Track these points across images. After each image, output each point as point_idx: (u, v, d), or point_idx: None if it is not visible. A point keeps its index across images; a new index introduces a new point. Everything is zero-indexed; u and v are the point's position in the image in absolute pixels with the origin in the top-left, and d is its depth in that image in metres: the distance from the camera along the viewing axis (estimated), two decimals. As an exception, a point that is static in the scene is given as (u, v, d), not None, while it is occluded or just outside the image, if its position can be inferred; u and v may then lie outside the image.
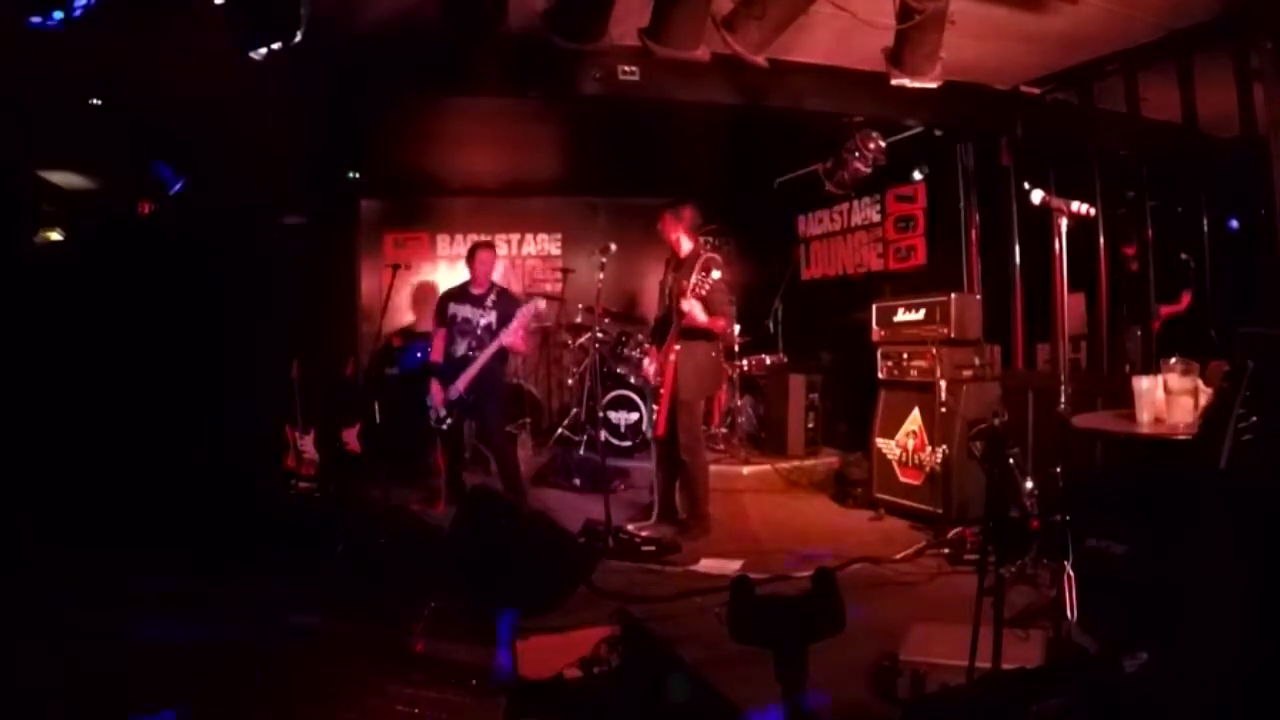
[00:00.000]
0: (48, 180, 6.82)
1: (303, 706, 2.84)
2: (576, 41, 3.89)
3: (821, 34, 4.37)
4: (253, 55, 3.27)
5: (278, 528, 4.81)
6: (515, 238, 8.91)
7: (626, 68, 4.44)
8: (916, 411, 5.25)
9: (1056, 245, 3.09)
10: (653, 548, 4.49)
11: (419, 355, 6.98)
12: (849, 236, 7.48)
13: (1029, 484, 4.14)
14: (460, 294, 5.58)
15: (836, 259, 7.67)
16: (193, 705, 2.74)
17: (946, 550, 4.37)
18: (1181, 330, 5.20)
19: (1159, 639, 2.09)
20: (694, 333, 4.80)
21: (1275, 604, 1.84)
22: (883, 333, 5.57)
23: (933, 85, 4.06)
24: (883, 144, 5.85)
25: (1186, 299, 5.43)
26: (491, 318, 5.40)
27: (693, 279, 4.67)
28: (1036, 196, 3.17)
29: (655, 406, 4.88)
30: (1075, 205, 3.07)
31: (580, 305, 7.98)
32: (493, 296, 5.47)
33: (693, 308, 4.64)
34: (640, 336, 7.08)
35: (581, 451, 6.93)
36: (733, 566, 4.26)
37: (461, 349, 5.42)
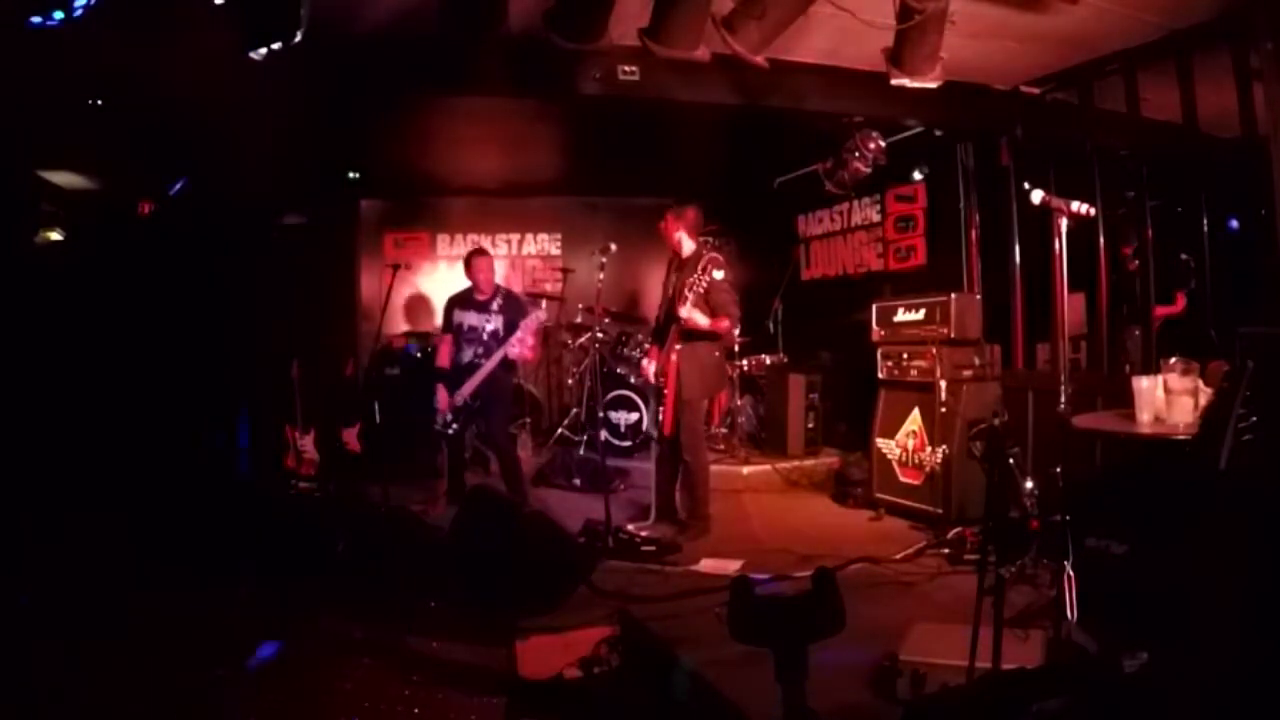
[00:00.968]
0: (48, 180, 6.81)
1: (303, 706, 2.85)
2: (576, 41, 3.88)
3: (821, 34, 4.36)
4: (253, 55, 3.28)
5: (278, 527, 4.81)
6: (515, 238, 8.91)
7: (626, 68, 4.44)
8: (916, 411, 5.24)
9: (1056, 245, 3.09)
10: (653, 548, 4.48)
11: (415, 354, 6.98)
12: (849, 236, 7.48)
13: (1029, 484, 4.12)
14: (465, 300, 5.57)
15: (836, 259, 7.67)
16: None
17: (946, 550, 4.37)
18: (1180, 330, 5.20)
19: (1159, 639, 2.08)
20: (695, 334, 4.80)
21: (1275, 604, 1.84)
22: (883, 333, 5.57)
23: (933, 85, 4.05)
24: (883, 144, 5.86)
25: (1181, 300, 5.44)
26: (498, 323, 5.40)
27: (692, 279, 4.67)
28: (1036, 196, 3.16)
29: (661, 406, 4.88)
30: (1075, 205, 3.06)
31: (580, 305, 7.97)
32: (498, 301, 5.46)
33: (691, 314, 4.64)
34: (640, 336, 7.09)
35: (581, 451, 6.93)
36: (733, 566, 4.26)
37: (468, 355, 5.42)
